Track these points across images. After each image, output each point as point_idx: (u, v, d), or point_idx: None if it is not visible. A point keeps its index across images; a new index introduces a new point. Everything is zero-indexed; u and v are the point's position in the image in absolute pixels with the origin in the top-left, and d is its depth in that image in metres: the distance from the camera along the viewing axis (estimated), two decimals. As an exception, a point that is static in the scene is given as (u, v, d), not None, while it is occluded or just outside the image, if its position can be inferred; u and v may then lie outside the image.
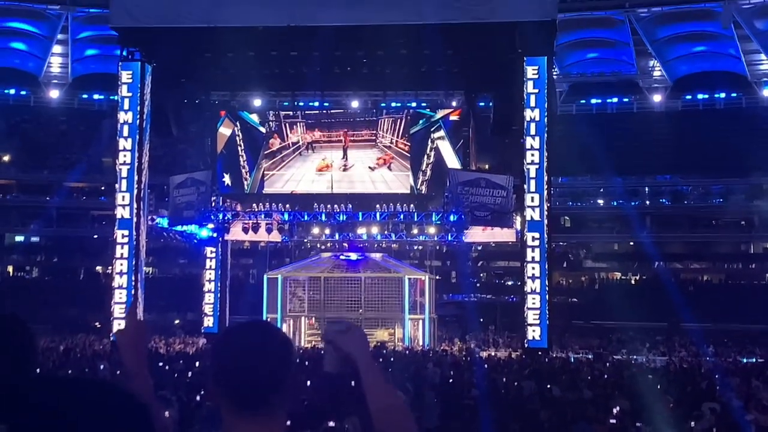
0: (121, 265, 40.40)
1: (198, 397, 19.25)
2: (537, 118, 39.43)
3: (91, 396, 2.38)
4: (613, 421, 17.06)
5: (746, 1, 70.22)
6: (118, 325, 39.87)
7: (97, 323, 51.41)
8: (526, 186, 39.28)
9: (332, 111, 50.40)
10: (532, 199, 39.10)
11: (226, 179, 48.72)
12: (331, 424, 13.83)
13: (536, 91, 39.58)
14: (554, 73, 57.52)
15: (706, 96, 76.81)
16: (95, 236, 69.77)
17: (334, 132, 48.51)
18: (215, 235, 47.17)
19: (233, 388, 2.66)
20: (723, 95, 76.58)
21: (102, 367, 27.94)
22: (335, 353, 3.02)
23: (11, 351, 2.69)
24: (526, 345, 38.66)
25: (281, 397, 2.70)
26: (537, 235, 39.00)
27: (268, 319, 44.70)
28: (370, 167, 47.71)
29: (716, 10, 70.98)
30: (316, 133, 48.53)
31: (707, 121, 72.07)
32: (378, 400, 2.94)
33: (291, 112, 49.53)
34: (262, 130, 49.07)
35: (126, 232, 40.41)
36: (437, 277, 51.63)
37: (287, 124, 48.73)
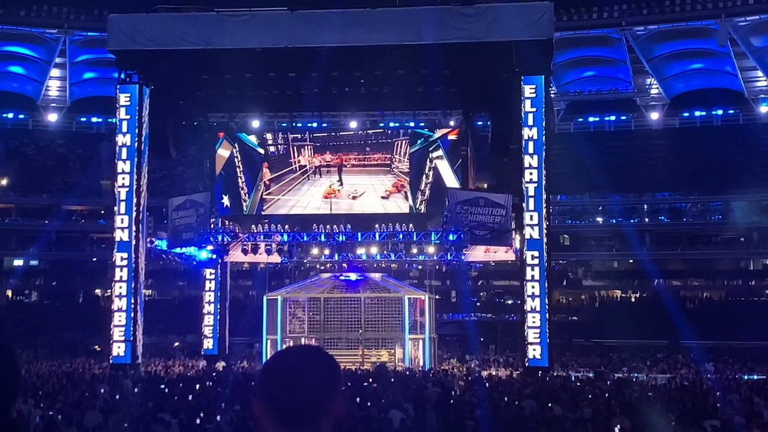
0: (121, 287, 40.30)
1: (198, 420, 19.20)
2: (535, 137, 39.46)
3: None
4: (614, 439, 17.00)
5: (742, 18, 70.52)
6: (117, 348, 39.80)
7: (96, 346, 51.31)
8: (524, 204, 39.27)
9: (342, 133, 50.03)
10: (531, 218, 39.08)
11: (225, 201, 48.74)
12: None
13: (534, 109, 39.63)
14: (552, 91, 57.68)
15: (704, 113, 76.97)
16: (94, 259, 69.77)
17: (342, 156, 48.44)
18: (214, 256, 47.12)
19: (282, 405, 2.73)
20: (720, 112, 76.74)
21: (102, 390, 27.88)
22: None
23: None
24: (526, 364, 38.54)
25: (327, 416, 2.77)
26: (536, 253, 38.96)
27: (269, 340, 44.84)
28: (382, 197, 47.60)
29: (713, 28, 71.29)
30: (327, 156, 48.48)
31: (705, 138, 72.23)
32: None
33: (299, 135, 49.42)
34: (261, 151, 49.12)
35: (125, 255, 40.34)
36: (437, 297, 51.55)
37: (295, 148, 48.68)
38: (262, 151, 49.17)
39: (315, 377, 2.77)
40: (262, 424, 2.76)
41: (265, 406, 2.75)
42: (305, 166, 48.49)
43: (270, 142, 49.59)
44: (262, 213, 48.33)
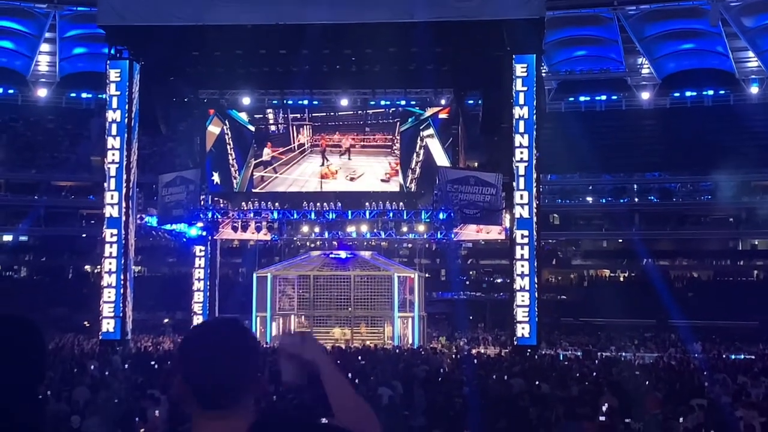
0: (110, 264, 40.27)
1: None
2: (526, 116, 39.44)
3: None
4: (602, 418, 17.11)
5: (734, -2, 70.47)
6: (107, 324, 39.81)
7: (86, 322, 51.28)
8: (515, 184, 39.28)
9: (341, 113, 49.74)
10: (521, 197, 39.11)
11: (216, 178, 48.68)
12: (324, 420, 13.80)
13: (525, 88, 39.58)
14: (543, 70, 57.55)
15: (695, 93, 77.01)
16: (84, 235, 69.61)
17: (341, 135, 48.34)
18: (204, 233, 47.11)
19: (200, 386, 2.70)
20: (711, 92, 76.79)
21: (92, 366, 27.90)
22: (291, 364, 3.03)
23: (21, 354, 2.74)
24: (515, 342, 38.69)
25: (247, 395, 2.75)
26: (526, 232, 39.03)
27: (258, 317, 44.89)
28: (382, 179, 47.55)
29: (704, 8, 71.19)
30: (325, 136, 48.37)
31: (695, 119, 72.27)
32: (343, 402, 2.99)
33: (299, 114, 49.24)
34: (251, 128, 49.03)
35: (115, 231, 40.27)
36: (427, 275, 51.64)
37: (295, 127, 48.56)
38: (252, 128, 49.08)
39: (233, 358, 2.72)
40: (185, 404, 2.74)
41: (185, 384, 2.73)
42: (304, 144, 48.44)
43: (271, 121, 49.40)
44: (254, 191, 48.28)
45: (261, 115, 49.78)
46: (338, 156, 48.31)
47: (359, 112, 49.30)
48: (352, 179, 47.86)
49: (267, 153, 48.72)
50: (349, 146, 47.95)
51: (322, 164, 47.97)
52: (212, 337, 2.79)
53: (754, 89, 75.91)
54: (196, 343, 2.80)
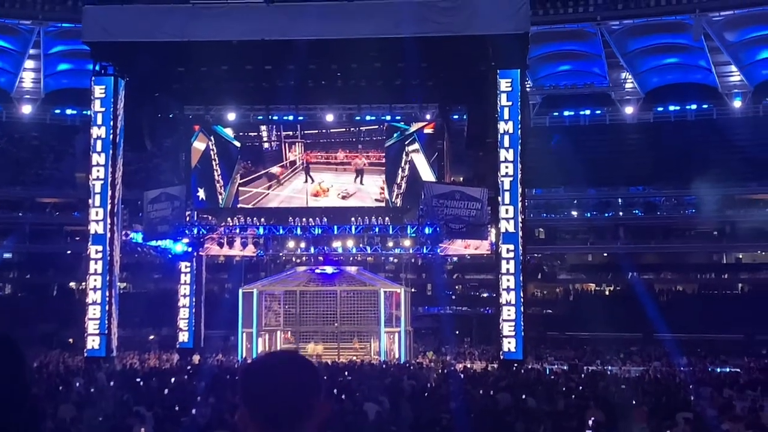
0: (95, 280, 40.12)
1: (173, 413, 19.17)
2: (511, 131, 39.58)
3: None
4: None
5: (716, 13, 70.95)
6: (92, 341, 39.65)
7: (71, 339, 51.03)
8: (500, 198, 39.38)
9: (333, 130, 49.63)
10: (507, 211, 39.20)
11: (201, 194, 48.60)
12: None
13: (510, 103, 39.74)
14: (527, 85, 57.81)
15: (678, 107, 77.30)
16: (69, 252, 69.23)
17: (332, 153, 48.32)
18: (190, 249, 46.99)
19: (265, 413, 2.76)
20: (694, 106, 77.11)
21: (78, 384, 27.79)
22: None
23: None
24: (501, 357, 38.70)
25: (310, 421, 2.80)
26: (512, 247, 39.11)
27: (244, 333, 44.80)
28: (376, 199, 47.56)
29: (687, 23, 71.63)
30: (316, 153, 48.33)
31: (679, 133, 72.57)
32: None
33: (291, 132, 49.14)
34: (237, 144, 48.99)
35: (100, 248, 40.16)
36: (413, 290, 51.66)
37: (287, 144, 48.54)
38: (238, 144, 49.05)
39: (297, 384, 2.79)
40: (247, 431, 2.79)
41: (249, 413, 2.78)
42: (295, 162, 48.40)
43: (264, 138, 49.25)
44: (242, 206, 48.22)
45: (255, 133, 49.68)
46: (333, 174, 48.18)
47: (352, 129, 49.25)
48: (344, 197, 47.82)
49: (253, 170, 48.68)
50: (362, 167, 47.65)
51: (306, 181, 47.89)
52: (276, 363, 2.90)
53: (737, 103, 76.34)
54: (260, 371, 2.88)
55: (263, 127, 49.82)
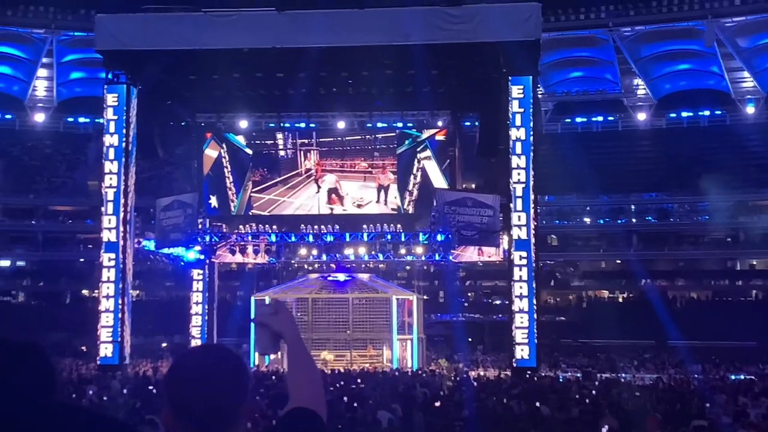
0: (108, 288, 40.18)
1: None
2: (523, 138, 39.48)
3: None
4: (602, 439, 17.04)
5: (729, 19, 70.83)
6: (105, 349, 39.70)
7: (83, 347, 51.09)
8: (512, 205, 39.26)
9: (348, 138, 49.70)
10: (519, 218, 39.09)
11: (213, 201, 48.68)
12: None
13: (521, 110, 39.64)
14: (539, 92, 57.77)
15: (691, 114, 77.22)
16: (81, 260, 69.52)
17: (347, 161, 48.37)
18: (202, 257, 47.07)
19: (191, 412, 2.64)
20: (707, 113, 77.01)
21: (91, 392, 27.79)
22: (264, 333, 3.18)
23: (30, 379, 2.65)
24: (514, 364, 38.55)
25: (239, 420, 2.70)
26: (524, 254, 38.98)
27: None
28: (392, 209, 47.58)
29: (699, 29, 71.57)
30: (332, 161, 48.39)
31: (692, 139, 72.47)
32: (298, 372, 3.09)
33: (306, 140, 49.29)
34: (249, 151, 49.10)
35: (112, 256, 40.20)
36: (425, 297, 51.54)
37: (302, 152, 48.62)
38: (250, 151, 49.16)
39: (223, 382, 2.67)
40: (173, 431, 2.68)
41: (174, 413, 2.66)
42: (310, 169, 48.46)
43: (281, 146, 49.36)
44: (255, 212, 48.30)
45: (271, 141, 49.83)
46: (358, 182, 48.29)
47: (367, 136, 49.27)
48: (359, 206, 47.84)
49: (268, 177, 48.79)
50: (386, 184, 47.66)
51: (319, 189, 47.96)
52: (202, 360, 2.76)
53: (750, 109, 76.16)
54: (186, 365, 2.75)
55: (279, 135, 49.92)
